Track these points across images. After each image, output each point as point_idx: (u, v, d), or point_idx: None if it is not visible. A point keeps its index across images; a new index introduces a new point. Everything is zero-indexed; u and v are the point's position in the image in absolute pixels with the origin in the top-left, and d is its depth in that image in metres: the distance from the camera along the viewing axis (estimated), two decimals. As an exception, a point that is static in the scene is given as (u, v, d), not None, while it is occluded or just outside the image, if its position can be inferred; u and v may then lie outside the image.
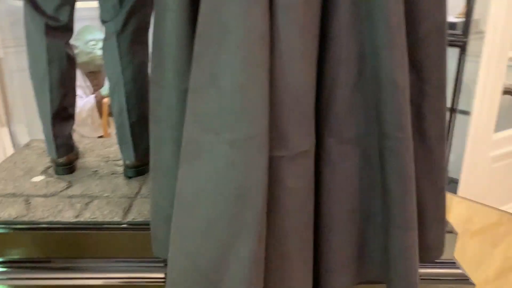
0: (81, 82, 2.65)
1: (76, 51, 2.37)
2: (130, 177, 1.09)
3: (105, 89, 2.82)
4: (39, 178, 1.08)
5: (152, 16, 0.83)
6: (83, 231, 0.90)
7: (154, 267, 0.89)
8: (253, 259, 0.72)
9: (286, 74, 0.72)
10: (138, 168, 1.08)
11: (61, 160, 1.08)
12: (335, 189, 0.80)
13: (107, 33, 1.00)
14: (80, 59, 2.46)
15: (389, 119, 0.74)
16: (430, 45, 0.77)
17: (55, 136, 1.05)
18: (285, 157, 0.74)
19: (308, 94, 0.75)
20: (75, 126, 2.58)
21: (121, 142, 1.06)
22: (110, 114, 2.79)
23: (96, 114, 2.96)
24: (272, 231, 0.75)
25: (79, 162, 1.15)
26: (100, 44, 2.79)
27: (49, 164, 1.15)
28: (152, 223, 0.87)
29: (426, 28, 0.76)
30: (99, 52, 2.84)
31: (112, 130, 2.84)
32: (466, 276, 0.92)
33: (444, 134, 0.82)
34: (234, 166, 0.71)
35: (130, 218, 0.92)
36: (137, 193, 1.02)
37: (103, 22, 1.00)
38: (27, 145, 1.28)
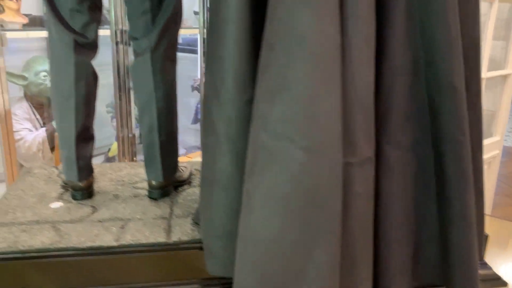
0: (31, 115, 2.53)
1: (25, 82, 2.27)
2: (155, 199, 1.04)
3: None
4: (57, 204, 1.00)
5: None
6: (127, 255, 0.85)
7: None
8: (332, 264, 0.72)
9: (355, 82, 0.74)
10: (164, 188, 1.04)
11: (81, 184, 1.01)
12: (393, 194, 0.83)
13: (138, 51, 0.97)
14: (29, 91, 2.37)
15: (450, 124, 0.79)
16: (470, 58, 0.84)
17: (78, 158, 0.98)
18: (354, 163, 0.76)
19: (372, 102, 0.78)
20: (24, 162, 2.40)
21: (149, 162, 1.02)
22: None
23: (47, 147, 2.81)
24: (343, 236, 0.76)
25: (95, 187, 1.09)
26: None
27: (62, 190, 1.08)
28: (207, 240, 0.84)
29: (466, 43, 0.83)
30: (50, 84, 2.71)
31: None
32: (498, 276, 0.97)
33: (482, 139, 0.88)
34: (310, 172, 0.71)
35: (175, 238, 0.88)
36: (171, 213, 0.98)
37: (134, 39, 0.97)
38: (28, 172, 1.18)
